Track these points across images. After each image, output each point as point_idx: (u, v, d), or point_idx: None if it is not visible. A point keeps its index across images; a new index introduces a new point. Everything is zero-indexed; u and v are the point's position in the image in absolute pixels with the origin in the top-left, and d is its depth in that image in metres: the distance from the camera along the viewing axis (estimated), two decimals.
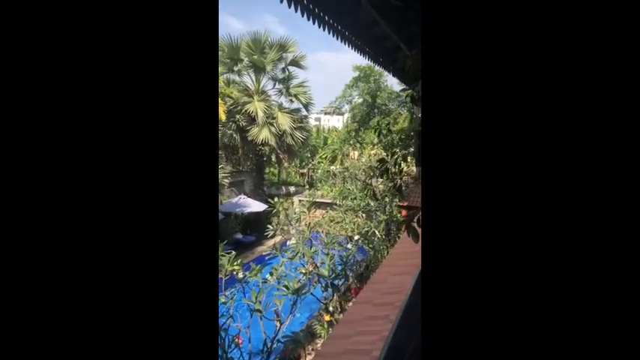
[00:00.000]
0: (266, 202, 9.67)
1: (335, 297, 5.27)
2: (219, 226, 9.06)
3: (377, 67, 9.25)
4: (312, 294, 4.88)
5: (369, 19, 3.74)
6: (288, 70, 12.37)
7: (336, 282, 5.04)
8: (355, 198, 7.86)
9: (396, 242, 5.76)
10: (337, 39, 3.50)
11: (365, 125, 18.36)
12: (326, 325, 4.94)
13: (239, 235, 10.32)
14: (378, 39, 4.65)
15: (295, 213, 6.69)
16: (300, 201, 11.63)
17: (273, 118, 11.80)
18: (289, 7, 2.50)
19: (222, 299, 3.66)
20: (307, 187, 14.77)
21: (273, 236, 6.36)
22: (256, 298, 3.69)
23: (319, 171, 14.16)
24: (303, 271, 4.88)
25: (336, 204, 8.26)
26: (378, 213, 7.44)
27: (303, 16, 2.73)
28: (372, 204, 7.41)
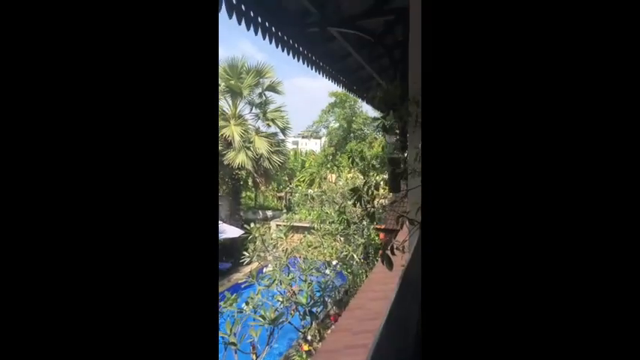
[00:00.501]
0: (242, 227, 9.47)
1: (314, 325, 5.14)
2: None
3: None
4: (290, 323, 4.74)
5: (343, 51, 3.91)
6: (264, 95, 12.55)
7: (314, 309, 4.94)
8: (333, 222, 7.85)
9: (374, 266, 5.76)
10: (311, 69, 3.61)
11: (342, 149, 18.71)
12: (304, 356, 4.79)
13: None
14: (351, 69, 4.85)
15: (272, 238, 6.58)
16: (277, 225, 11.46)
17: (250, 142, 11.81)
18: (263, 39, 2.58)
19: None
20: (285, 210, 14.65)
21: (249, 263, 6.20)
22: (231, 330, 3.55)
23: (297, 194, 14.13)
24: (281, 299, 4.76)
25: (314, 228, 8.21)
26: (356, 236, 7.46)
27: (277, 47, 2.82)
28: (350, 227, 7.43)
